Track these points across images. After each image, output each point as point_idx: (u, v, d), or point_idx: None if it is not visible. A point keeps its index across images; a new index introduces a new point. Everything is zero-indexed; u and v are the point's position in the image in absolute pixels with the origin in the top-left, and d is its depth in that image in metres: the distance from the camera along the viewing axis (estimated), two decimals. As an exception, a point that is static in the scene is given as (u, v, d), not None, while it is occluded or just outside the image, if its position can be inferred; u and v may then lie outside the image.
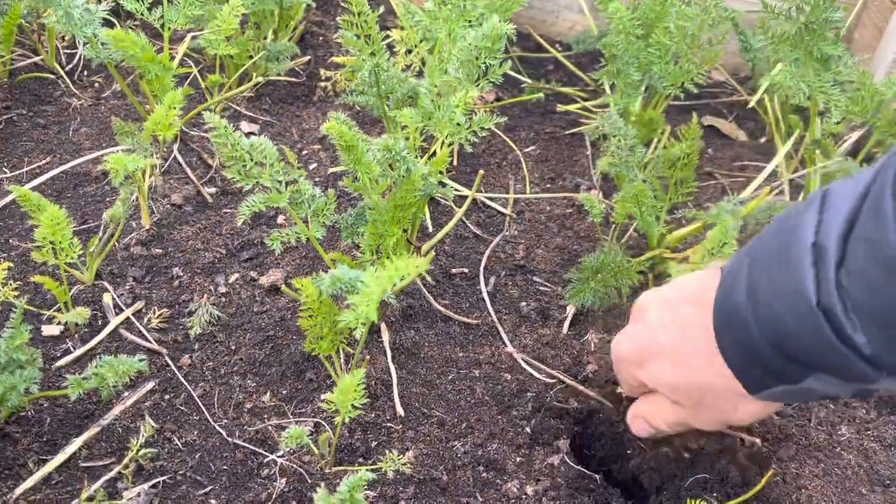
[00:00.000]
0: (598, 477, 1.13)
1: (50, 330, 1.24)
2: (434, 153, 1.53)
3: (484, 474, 1.12)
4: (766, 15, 1.52)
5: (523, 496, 1.09)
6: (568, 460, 1.14)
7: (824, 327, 0.68)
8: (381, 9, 1.71)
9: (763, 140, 1.99)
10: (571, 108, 1.97)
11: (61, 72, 1.78)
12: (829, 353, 0.69)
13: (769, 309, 0.72)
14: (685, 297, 0.89)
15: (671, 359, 0.90)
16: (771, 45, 1.54)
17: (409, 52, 1.70)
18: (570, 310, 1.39)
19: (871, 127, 1.55)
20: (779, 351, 0.73)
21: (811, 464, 1.18)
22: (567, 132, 1.91)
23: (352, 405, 1.01)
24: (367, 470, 0.93)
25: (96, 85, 1.79)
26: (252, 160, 1.10)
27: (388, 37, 1.78)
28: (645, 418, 1.01)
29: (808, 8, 1.46)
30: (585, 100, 2.00)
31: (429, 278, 1.43)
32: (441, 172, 1.69)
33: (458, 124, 1.23)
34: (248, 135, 1.69)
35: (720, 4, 1.58)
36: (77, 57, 1.83)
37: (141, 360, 1.08)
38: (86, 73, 1.81)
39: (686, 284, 0.93)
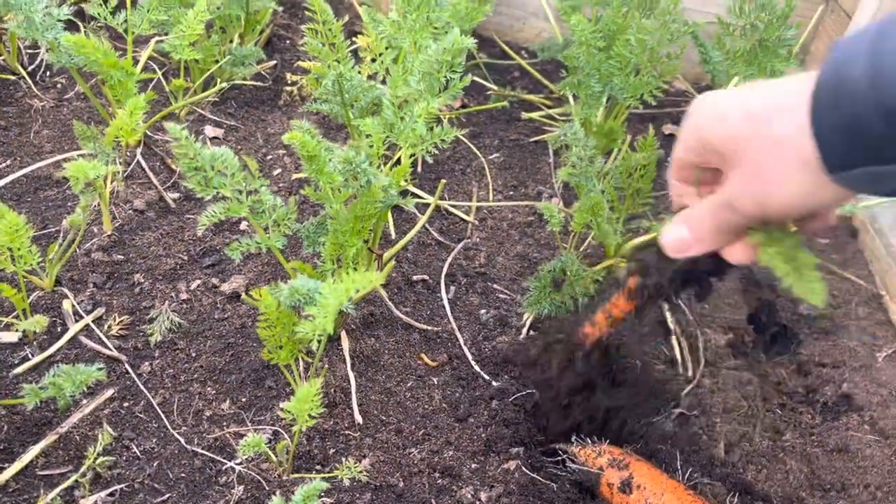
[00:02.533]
0: (553, 485, 1.16)
1: (7, 337, 1.24)
2: (398, 160, 1.54)
3: (440, 480, 1.15)
4: (723, 31, 1.57)
5: (477, 502, 1.12)
6: (523, 467, 1.17)
7: None
8: (347, 16, 1.72)
9: (722, 149, 2.04)
10: (536, 115, 2.00)
11: (23, 73, 1.76)
12: None
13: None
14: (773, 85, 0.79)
15: (745, 108, 0.79)
16: (727, 62, 1.59)
17: (375, 60, 1.72)
18: (528, 318, 1.42)
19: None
20: (892, 125, 0.69)
21: (754, 468, 1.22)
22: (531, 139, 1.94)
23: (308, 414, 1.03)
24: (322, 478, 0.95)
25: (59, 86, 1.78)
26: (213, 170, 1.11)
27: (353, 43, 1.80)
28: (684, 219, 0.87)
29: (762, 26, 1.51)
30: (550, 107, 2.04)
31: (390, 286, 1.45)
32: (406, 180, 1.71)
33: (420, 136, 1.25)
34: (212, 139, 1.70)
35: (679, 19, 1.61)
36: (39, 58, 1.82)
37: (99, 369, 1.09)
38: (48, 74, 1.80)
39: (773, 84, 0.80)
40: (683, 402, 1.31)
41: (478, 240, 1.61)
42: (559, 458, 1.18)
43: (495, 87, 2.08)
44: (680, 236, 0.87)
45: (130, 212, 1.50)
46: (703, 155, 0.85)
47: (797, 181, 0.77)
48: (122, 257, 1.41)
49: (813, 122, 0.74)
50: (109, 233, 1.45)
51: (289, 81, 1.90)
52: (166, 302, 1.34)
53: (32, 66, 1.80)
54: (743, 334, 1.49)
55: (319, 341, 1.00)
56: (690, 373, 1.38)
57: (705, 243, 0.87)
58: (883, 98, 0.69)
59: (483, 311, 1.44)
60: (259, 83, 1.92)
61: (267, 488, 1.10)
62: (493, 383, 1.29)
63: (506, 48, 2.25)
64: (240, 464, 1.13)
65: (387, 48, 1.59)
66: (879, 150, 0.72)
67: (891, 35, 0.71)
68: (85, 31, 1.79)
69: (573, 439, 1.20)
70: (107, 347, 1.26)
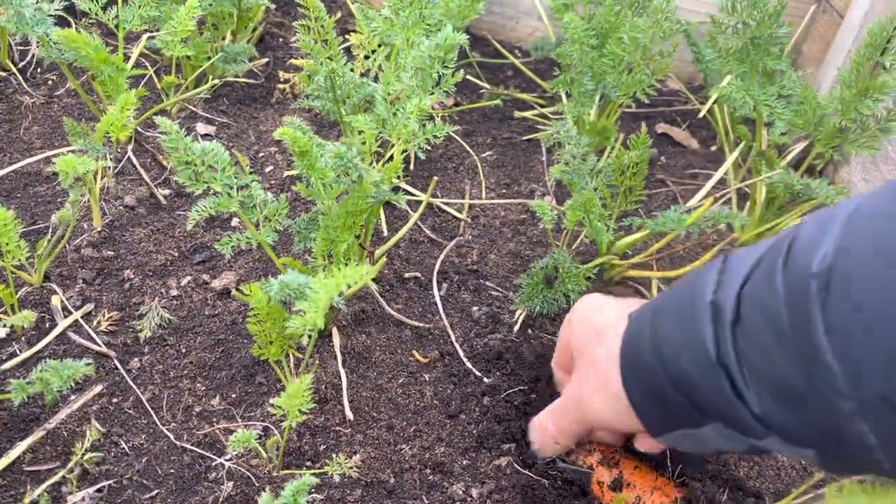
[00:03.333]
0: (545, 481, 1.16)
1: (-5, 332, 1.23)
2: (390, 158, 1.54)
3: (431, 477, 1.14)
4: (715, 29, 1.57)
5: (468, 498, 1.11)
6: (514, 463, 1.17)
7: (722, 381, 0.72)
8: (340, 14, 1.72)
9: (714, 148, 2.05)
10: (528, 114, 2.00)
11: (13, 69, 1.75)
12: (726, 405, 0.73)
13: (673, 359, 0.77)
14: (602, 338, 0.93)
15: (595, 320, 0.94)
16: (719, 59, 1.59)
17: (367, 57, 1.71)
18: (521, 315, 1.42)
19: (814, 139, 1.60)
20: (683, 396, 0.77)
21: (746, 465, 1.22)
22: (524, 138, 1.94)
23: (299, 410, 1.02)
24: (312, 474, 0.95)
25: (49, 83, 1.77)
26: (204, 164, 1.11)
27: (346, 40, 1.79)
28: (542, 420, 1.03)
29: (755, 24, 1.51)
30: (543, 106, 2.04)
31: (382, 283, 1.45)
32: (398, 177, 1.71)
33: (413, 132, 1.25)
34: (204, 136, 1.70)
35: (672, 17, 1.62)
36: (30, 54, 1.81)
37: (87, 364, 1.08)
38: (39, 70, 1.79)
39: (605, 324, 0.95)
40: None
41: (470, 237, 1.61)
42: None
43: (488, 86, 2.08)
44: (543, 438, 1.03)
45: (121, 208, 1.49)
46: (566, 349, 0.98)
47: (605, 402, 0.87)
48: (112, 253, 1.40)
49: (631, 401, 0.83)
50: (99, 229, 1.44)
51: (281, 79, 1.90)
52: (156, 298, 1.33)
53: (23, 63, 1.79)
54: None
55: (310, 336, 1.00)
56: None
57: (557, 444, 1.01)
58: (669, 379, 0.77)
59: (475, 309, 1.43)
60: (251, 80, 1.91)
61: (257, 484, 1.09)
62: (485, 380, 1.29)
63: (499, 47, 2.25)
64: (229, 460, 1.12)
65: (379, 45, 1.59)
66: (686, 418, 0.79)
67: (664, 312, 0.79)
68: (76, 27, 1.78)
69: None
70: (96, 343, 1.25)
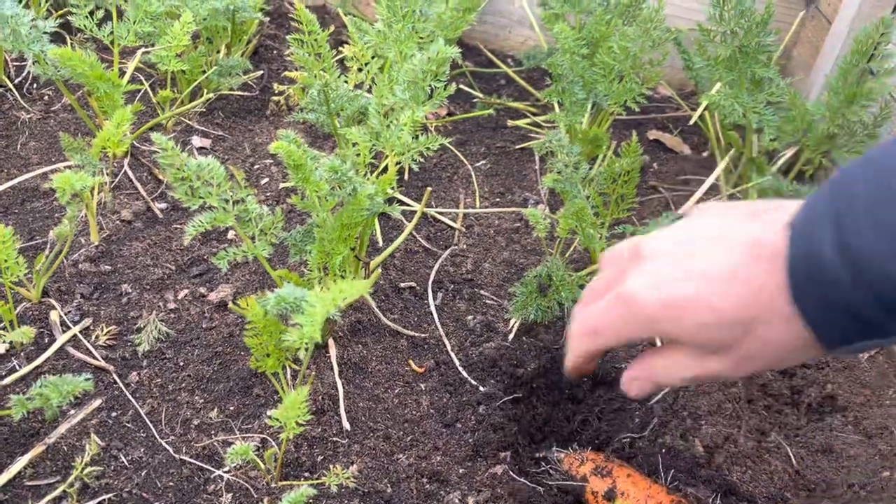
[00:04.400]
0: (540, 488, 1.17)
1: (-5, 348, 1.24)
2: (385, 169, 1.56)
3: (427, 486, 1.15)
4: (703, 37, 1.59)
5: (465, 507, 1.13)
6: (510, 471, 1.18)
7: None
8: (333, 26, 1.73)
9: (706, 154, 2.06)
10: (521, 123, 2.02)
11: (10, 84, 1.77)
12: None
13: (882, 269, 0.58)
14: (744, 237, 0.65)
15: (717, 283, 0.64)
16: (708, 67, 1.61)
17: (361, 69, 1.73)
18: (515, 323, 1.43)
19: (803, 145, 1.62)
20: (890, 311, 0.59)
21: (739, 470, 1.23)
22: (517, 147, 1.95)
23: (296, 422, 1.03)
24: (310, 485, 0.96)
25: (46, 98, 1.78)
26: (199, 180, 1.12)
27: (339, 53, 1.81)
28: (653, 379, 0.72)
29: (742, 32, 1.53)
30: (535, 115, 2.05)
31: (377, 293, 1.46)
32: (393, 188, 1.72)
33: (406, 143, 1.26)
34: (200, 150, 1.71)
35: (661, 26, 1.64)
36: (26, 70, 1.82)
37: (87, 379, 1.09)
38: (35, 86, 1.80)
39: (738, 219, 0.67)
40: (667, 405, 1.32)
41: (465, 246, 1.62)
42: (543, 468, 1.18)
43: (481, 95, 2.10)
44: (643, 389, 0.74)
45: (118, 222, 1.51)
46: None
47: (738, 299, 0.62)
48: (110, 268, 1.42)
49: (805, 318, 0.62)
50: (97, 243, 1.45)
51: (276, 91, 1.91)
52: (154, 312, 1.34)
53: (19, 79, 1.81)
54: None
55: (307, 349, 1.01)
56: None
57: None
58: (871, 293, 0.59)
59: (470, 317, 1.45)
60: (246, 93, 1.93)
61: (255, 496, 1.10)
62: (481, 388, 1.30)
63: (491, 56, 2.27)
64: (228, 472, 1.13)
65: (373, 57, 1.61)
66: (884, 331, 0.61)
67: (853, 213, 0.59)
68: (71, 44, 1.80)
69: (554, 448, 1.21)
70: (94, 358, 1.26)
